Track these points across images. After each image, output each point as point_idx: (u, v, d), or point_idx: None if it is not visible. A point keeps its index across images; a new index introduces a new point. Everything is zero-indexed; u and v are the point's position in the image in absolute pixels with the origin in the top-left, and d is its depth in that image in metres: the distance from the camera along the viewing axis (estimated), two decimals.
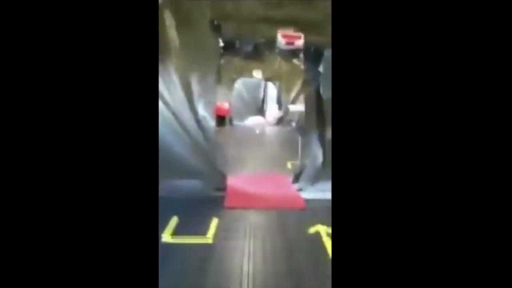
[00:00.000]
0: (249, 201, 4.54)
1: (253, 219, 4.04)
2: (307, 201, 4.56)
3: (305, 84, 5.44)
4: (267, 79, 14.31)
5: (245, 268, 2.95)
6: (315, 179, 4.91)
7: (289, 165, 6.54)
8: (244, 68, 12.29)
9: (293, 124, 11.48)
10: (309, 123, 5.10)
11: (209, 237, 3.47)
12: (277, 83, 14.53)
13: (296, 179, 5.21)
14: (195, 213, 4.07)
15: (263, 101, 15.23)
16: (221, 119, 13.32)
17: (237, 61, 11.43)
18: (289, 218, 4.06)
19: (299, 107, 11.34)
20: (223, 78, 12.34)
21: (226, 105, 13.35)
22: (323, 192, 4.64)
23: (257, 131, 12.49)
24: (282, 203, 4.53)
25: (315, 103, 4.94)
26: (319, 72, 4.89)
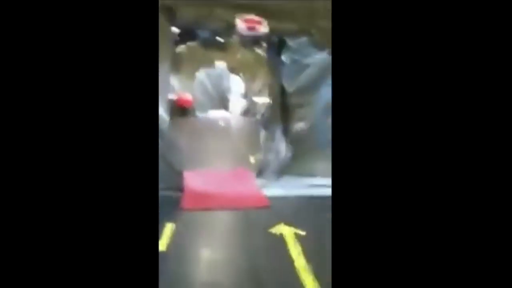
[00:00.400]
0: (208, 202, 4.20)
1: (213, 221, 3.72)
2: (271, 198, 4.28)
3: (268, 75, 5.14)
4: (230, 69, 13.91)
5: (202, 279, 2.64)
6: (279, 174, 4.67)
7: (252, 159, 6.26)
8: (205, 58, 11.78)
9: (258, 116, 11.24)
10: (273, 116, 4.83)
11: (162, 244, 3.11)
12: (241, 74, 14.21)
13: (260, 174, 4.95)
14: None
15: (226, 93, 14.83)
16: (183, 111, 12.79)
17: (198, 50, 10.94)
18: (251, 219, 3.78)
19: (264, 99, 11.13)
20: (182, 68, 11.78)
21: (189, 97, 12.81)
22: (286, 188, 4.41)
23: (221, 123, 12.09)
24: (244, 202, 4.22)
25: (278, 95, 4.66)
26: (282, 62, 4.60)
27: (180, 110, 12.59)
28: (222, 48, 9.59)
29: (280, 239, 3.18)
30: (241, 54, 12.03)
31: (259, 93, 12.76)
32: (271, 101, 5.03)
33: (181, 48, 10.85)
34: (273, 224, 3.44)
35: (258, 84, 13.07)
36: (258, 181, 4.88)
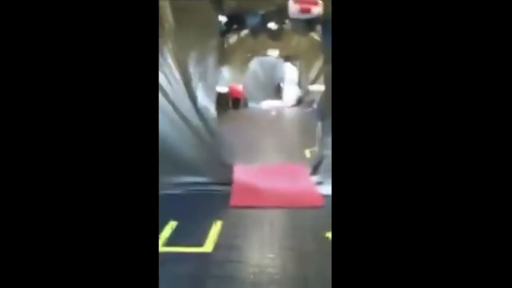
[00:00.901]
0: (259, 199, 3.93)
1: (262, 220, 3.49)
2: (327, 197, 3.93)
3: (325, 61, 4.66)
4: (284, 57, 13.49)
5: (247, 282, 2.43)
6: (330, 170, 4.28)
7: (307, 153, 5.90)
8: (257, 47, 11.53)
9: (314, 105, 10.76)
10: (329, 106, 4.41)
11: (208, 246, 2.96)
12: (296, 62, 13.70)
13: (315, 170, 4.58)
14: (195, 215, 3.56)
15: (280, 82, 14.47)
16: (235, 102, 12.77)
17: (249, 39, 10.73)
18: (305, 219, 3.47)
19: (320, 87, 10.59)
20: (233, 58, 11.66)
21: (239, 87, 12.75)
22: None
23: (273, 113, 11.82)
24: (298, 200, 3.89)
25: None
26: None
27: (232, 101, 12.62)
28: (274, 35, 9.26)
29: None
30: (295, 41, 11.59)
31: (314, 81, 12.24)
32: (327, 90, 4.58)
33: (232, 38, 10.74)
34: (327, 227, 3.10)
35: (313, 72, 12.56)
36: (313, 178, 4.52)
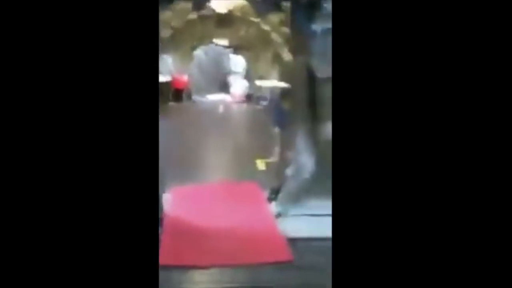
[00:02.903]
0: (197, 253, 2.58)
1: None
2: (294, 242, 2.77)
3: (293, 51, 3.46)
4: (233, 47, 12.24)
5: None
6: (301, 197, 3.22)
7: (260, 165, 4.77)
8: (204, 33, 10.19)
9: (263, 103, 9.72)
10: (296, 112, 3.32)
11: None
12: (245, 53, 12.54)
13: (273, 194, 3.48)
14: None
15: (228, 74, 13.23)
16: (177, 94, 11.26)
17: (195, 24, 9.42)
18: (264, 280, 2.36)
19: (271, 83, 9.56)
20: (177, 45, 10.20)
21: (184, 77, 11.32)
22: (313, 221, 2.96)
23: (220, 109, 10.55)
24: (253, 254, 2.59)
25: (305, 82, 3.11)
26: (313, 33, 3.02)
27: (174, 93, 11.12)
28: (222, 21, 8.05)
29: None
30: (244, 30, 10.43)
31: (264, 76, 11.22)
32: (293, 91, 3.47)
33: (177, 22, 9.26)
34: None
35: (262, 65, 11.53)
36: (271, 207, 3.40)
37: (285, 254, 2.60)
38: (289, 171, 3.30)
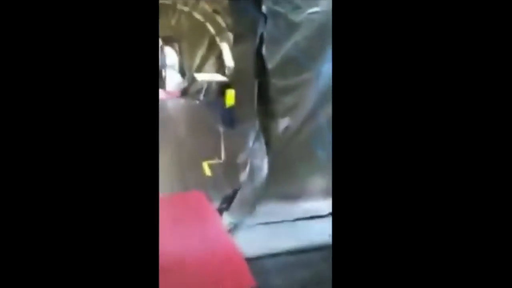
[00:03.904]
0: None
1: None
2: (254, 262, 2.39)
3: (229, 41, 2.95)
4: (164, 39, 11.28)
5: None
6: (256, 204, 2.82)
7: (206, 168, 4.26)
8: None
9: (201, 97, 9.11)
10: (242, 108, 2.88)
11: None
12: (176, 45, 11.65)
13: (224, 204, 3.01)
14: None
15: (162, 68, 12.24)
16: None
17: None
18: None
19: (208, 76, 8.98)
20: None
21: None
22: (272, 234, 2.57)
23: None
24: (210, 285, 2.16)
25: (252, 73, 2.67)
26: (261, 17, 2.58)
27: None
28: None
29: None
30: (175, 19, 9.63)
31: (199, 69, 10.56)
32: (239, 84, 3.00)
33: None
34: None
35: (197, 58, 10.85)
36: (223, 219, 2.92)
37: (246, 279, 2.17)
38: (242, 176, 2.86)
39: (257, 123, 2.74)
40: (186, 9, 8.88)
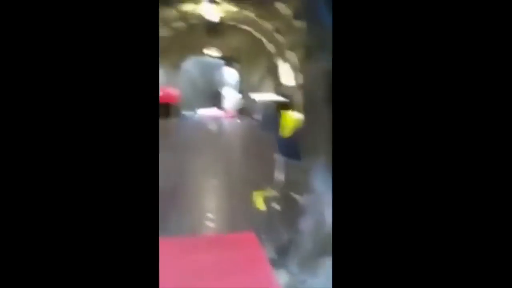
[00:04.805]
0: None
1: None
2: None
3: (308, 55, 2.44)
4: (225, 58, 11.30)
5: None
6: (321, 261, 2.17)
7: (259, 200, 3.69)
8: (194, 44, 9.27)
9: (257, 117, 8.75)
10: (313, 138, 2.31)
11: None
12: (236, 64, 11.60)
13: (281, 256, 2.41)
14: None
15: (220, 87, 12.28)
16: (165, 109, 10.24)
17: (184, 34, 8.61)
18: None
19: (266, 96, 8.61)
20: (166, 56, 9.25)
21: (174, 91, 10.33)
22: None
23: (213, 127, 9.50)
24: None
25: (328, 96, 2.10)
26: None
27: (164, 108, 10.12)
28: (213, 30, 7.15)
29: None
30: (237, 39, 9.52)
31: (257, 88, 10.28)
32: (306, 108, 2.45)
33: (162, 31, 8.32)
34: None
35: (255, 77, 10.63)
36: (278, 275, 2.30)
37: None
38: (303, 223, 2.25)
39: (328, 160, 2.13)
40: (247, 28, 8.73)
